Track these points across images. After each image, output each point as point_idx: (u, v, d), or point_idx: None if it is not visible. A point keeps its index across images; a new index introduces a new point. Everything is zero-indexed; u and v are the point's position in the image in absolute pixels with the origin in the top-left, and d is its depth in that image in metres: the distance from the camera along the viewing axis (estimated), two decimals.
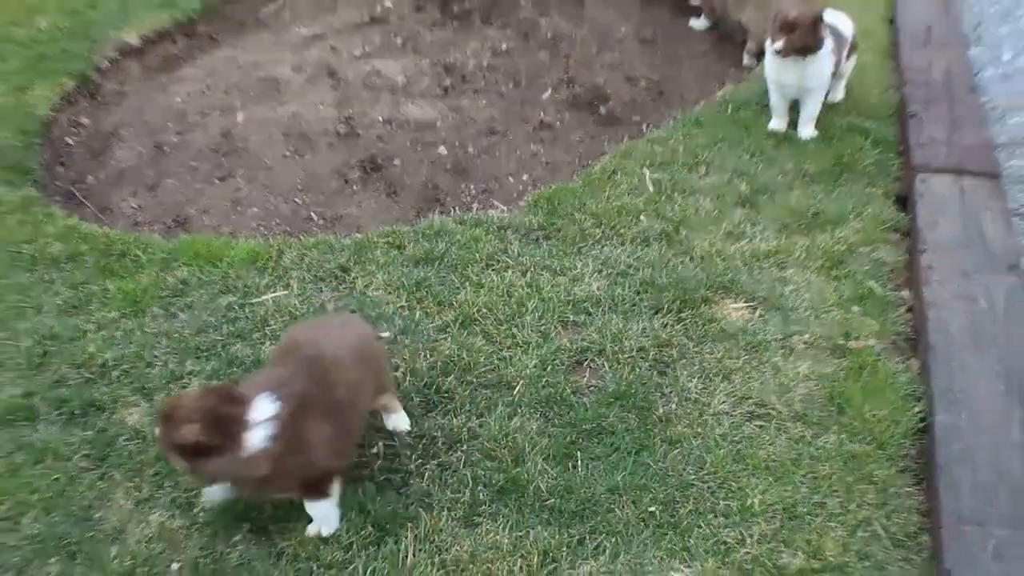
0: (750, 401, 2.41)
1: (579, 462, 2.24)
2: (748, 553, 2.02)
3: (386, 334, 2.58)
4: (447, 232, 3.02)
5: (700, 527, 2.08)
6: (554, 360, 2.53)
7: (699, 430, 2.33)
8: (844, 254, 2.94)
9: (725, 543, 2.05)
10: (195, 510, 2.11)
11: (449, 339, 2.59)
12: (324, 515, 2.06)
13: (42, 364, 2.54)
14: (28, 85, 4.00)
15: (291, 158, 3.55)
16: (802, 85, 3.47)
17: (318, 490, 2.00)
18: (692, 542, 2.05)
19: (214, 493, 2.11)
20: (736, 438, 2.31)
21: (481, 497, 2.15)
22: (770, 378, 2.48)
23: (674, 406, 2.41)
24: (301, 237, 3.07)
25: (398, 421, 2.33)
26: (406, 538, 2.05)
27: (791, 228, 3.09)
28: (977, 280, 2.73)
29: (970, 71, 3.98)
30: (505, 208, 3.27)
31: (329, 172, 3.49)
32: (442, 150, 3.65)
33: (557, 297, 2.74)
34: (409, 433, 2.32)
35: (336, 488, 2.04)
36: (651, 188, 3.28)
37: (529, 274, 2.84)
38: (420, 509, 2.12)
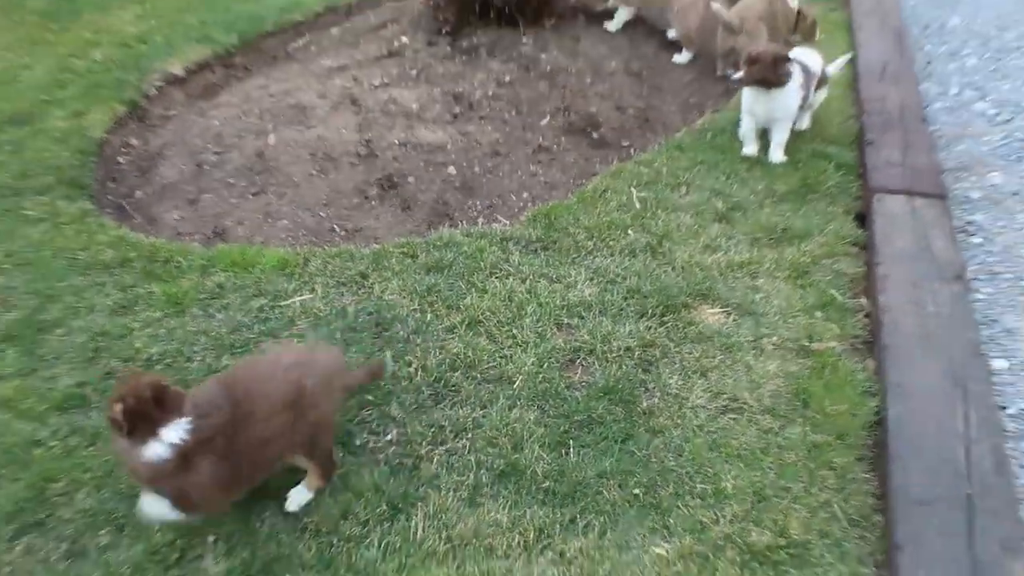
0: (724, 396, 2.42)
1: (571, 449, 2.25)
2: (722, 531, 2.03)
3: (391, 365, 2.45)
4: (455, 243, 3.03)
5: (679, 508, 2.09)
6: (550, 358, 2.53)
7: (679, 422, 2.34)
8: (809, 265, 2.95)
9: (701, 522, 2.06)
10: None
11: (456, 339, 2.60)
12: (160, 513, 1.89)
13: (94, 358, 2.55)
14: (85, 110, 4.02)
15: (316, 176, 3.56)
16: (770, 116, 3.50)
17: (190, 510, 1.88)
18: (672, 521, 2.06)
19: (150, 511, 1.93)
20: (712, 429, 2.32)
21: (484, 480, 2.16)
22: (742, 376, 2.49)
23: (657, 400, 2.41)
24: (325, 247, 3.08)
25: (296, 494, 2.06)
26: (417, 515, 2.06)
27: (762, 242, 3.10)
28: (926, 288, 2.73)
29: (921, 103, 3.99)
30: (507, 222, 3.28)
31: (350, 189, 3.50)
32: (451, 170, 3.65)
33: (553, 302, 2.75)
34: (420, 423, 2.32)
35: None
36: (637, 205, 3.28)
37: (528, 281, 2.85)
38: (429, 490, 2.13)
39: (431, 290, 2.80)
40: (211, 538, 2.01)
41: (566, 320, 2.69)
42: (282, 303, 2.76)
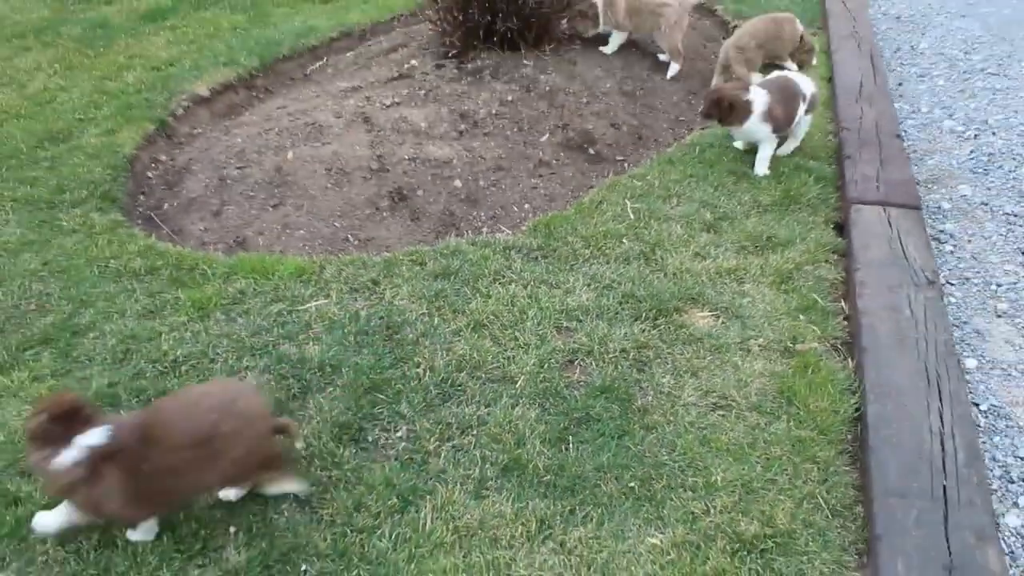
0: (714, 394, 2.40)
1: (571, 445, 2.23)
2: (712, 522, 2.00)
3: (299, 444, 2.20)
4: (461, 252, 3.01)
5: (672, 500, 2.07)
6: (550, 359, 2.51)
7: (671, 418, 2.31)
8: (792, 272, 2.92)
9: (692, 513, 2.03)
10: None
11: (462, 341, 2.58)
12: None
13: (124, 359, 2.53)
14: (117, 129, 4.02)
15: (332, 189, 3.55)
16: (743, 140, 3.64)
17: (123, 523, 1.90)
18: (665, 512, 2.03)
19: (45, 524, 1.93)
20: (702, 425, 2.29)
21: (488, 474, 2.14)
22: (731, 375, 2.47)
23: (650, 398, 2.39)
24: (339, 255, 3.06)
25: (284, 486, 2.05)
26: (425, 508, 2.04)
27: (748, 250, 3.07)
28: (901, 293, 2.71)
29: (895, 121, 3.97)
30: (510, 232, 3.26)
31: (363, 201, 3.49)
32: (457, 183, 3.64)
33: (553, 306, 2.73)
34: (428, 421, 2.30)
35: (145, 524, 1.92)
36: (631, 216, 3.27)
37: (529, 287, 2.83)
38: (437, 483, 2.11)
39: (439, 295, 2.78)
40: (232, 529, 1.99)
41: (565, 323, 2.67)
42: (299, 308, 2.74)
